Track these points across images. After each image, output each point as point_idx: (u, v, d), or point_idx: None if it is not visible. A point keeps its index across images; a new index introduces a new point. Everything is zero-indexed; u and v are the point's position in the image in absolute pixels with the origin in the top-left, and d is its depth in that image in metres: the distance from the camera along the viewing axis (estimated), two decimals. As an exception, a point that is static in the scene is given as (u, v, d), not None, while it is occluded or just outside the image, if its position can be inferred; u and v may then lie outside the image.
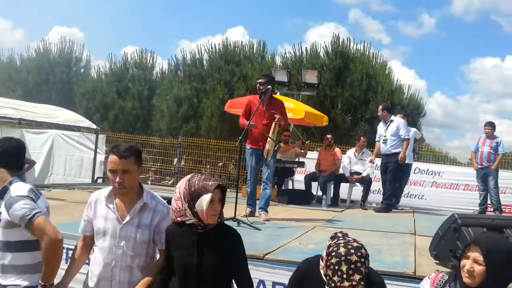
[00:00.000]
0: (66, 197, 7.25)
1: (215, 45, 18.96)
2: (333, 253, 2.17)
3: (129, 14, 48.84)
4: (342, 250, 2.16)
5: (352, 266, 2.12)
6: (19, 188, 2.84)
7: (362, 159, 9.48)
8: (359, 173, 9.39)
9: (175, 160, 14.63)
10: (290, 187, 10.24)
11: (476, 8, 50.04)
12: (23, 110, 10.34)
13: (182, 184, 2.57)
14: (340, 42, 17.63)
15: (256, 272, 3.65)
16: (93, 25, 47.56)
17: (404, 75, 41.01)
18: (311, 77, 11.29)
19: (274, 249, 4.21)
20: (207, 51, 18.90)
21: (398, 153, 8.26)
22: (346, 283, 2.10)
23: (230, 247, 2.55)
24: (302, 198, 9.26)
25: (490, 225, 4.19)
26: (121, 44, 57.96)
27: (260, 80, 6.54)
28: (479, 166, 9.04)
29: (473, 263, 2.12)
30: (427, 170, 11.33)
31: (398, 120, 8.46)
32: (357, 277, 2.11)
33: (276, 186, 9.29)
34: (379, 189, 10.40)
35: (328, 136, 9.85)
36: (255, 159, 6.49)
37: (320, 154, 9.87)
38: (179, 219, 2.54)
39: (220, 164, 14.62)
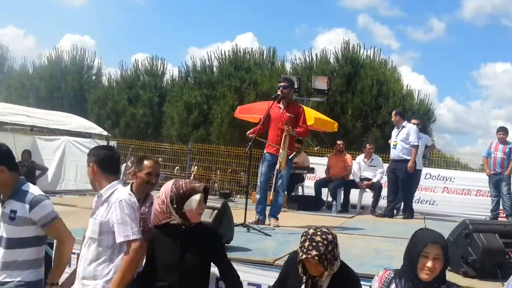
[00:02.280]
0: (78, 203, 7.30)
1: (225, 51, 19.11)
2: (303, 234, 2.55)
3: (138, 21, 49.27)
4: (311, 231, 2.54)
5: (314, 243, 2.44)
6: (36, 189, 3.05)
7: (371, 165, 9.45)
8: (369, 179, 9.36)
9: (194, 168, 14.63)
10: (300, 193, 10.22)
11: (487, 12, 49.77)
12: (35, 117, 10.46)
13: (167, 188, 2.82)
14: (350, 48, 17.65)
15: (265, 278, 3.65)
16: (103, 32, 48.09)
17: (414, 81, 40.88)
18: (321, 83, 11.28)
19: (284, 255, 4.20)
20: (217, 57, 19.04)
21: (407, 160, 8.22)
22: (304, 256, 2.44)
23: (210, 244, 2.82)
24: (312, 204, 9.23)
25: (502, 231, 4.16)
26: (131, 51, 58.45)
27: (283, 84, 6.50)
28: (492, 172, 8.95)
29: (434, 261, 2.29)
30: (438, 175, 11.23)
31: (409, 126, 8.39)
32: (314, 252, 2.42)
33: (286, 192, 9.28)
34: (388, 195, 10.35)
35: (339, 142, 9.83)
36: (267, 163, 6.45)
37: (330, 160, 9.85)
38: (163, 221, 2.80)
39: (230, 170, 14.65)
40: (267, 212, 6.43)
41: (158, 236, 2.83)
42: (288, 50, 61.27)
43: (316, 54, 18.14)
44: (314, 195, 9.73)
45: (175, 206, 2.75)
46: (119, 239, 2.73)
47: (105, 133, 12.27)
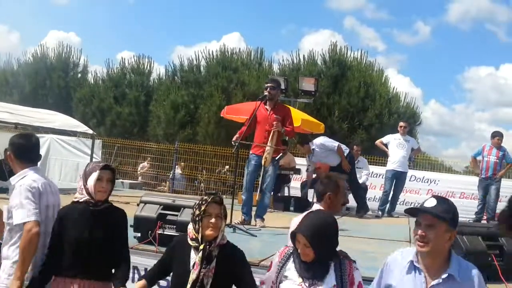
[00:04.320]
0: (61, 202, 7.20)
1: (212, 51, 19.05)
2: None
3: (123, 19, 48.82)
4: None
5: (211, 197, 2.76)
6: None
7: (358, 167, 9.48)
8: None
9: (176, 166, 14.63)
10: (286, 194, 10.23)
11: (471, 17, 50.32)
12: (19, 114, 10.29)
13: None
14: (338, 50, 17.73)
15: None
16: (88, 30, 47.45)
17: (399, 83, 41.21)
18: (308, 84, 11.32)
19: (270, 255, 4.19)
20: (205, 57, 18.97)
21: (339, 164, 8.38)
22: (207, 199, 2.72)
23: (116, 224, 3.07)
24: (298, 205, 9.25)
25: (485, 234, 4.20)
26: (116, 49, 57.82)
27: (270, 85, 6.49)
28: (483, 176, 8.92)
29: (304, 247, 2.52)
30: (423, 177, 11.35)
31: (317, 144, 8.51)
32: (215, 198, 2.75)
33: (272, 193, 9.27)
34: (374, 196, 10.44)
35: None
36: (253, 165, 6.44)
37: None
38: (79, 196, 3.06)
39: (217, 170, 14.61)
40: (253, 213, 6.43)
41: (68, 214, 3.05)
42: (274, 50, 61.33)
43: (303, 56, 18.22)
44: (300, 196, 9.75)
45: (83, 183, 3.04)
46: (15, 221, 2.99)
47: (90, 131, 12.13)
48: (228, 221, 5.55)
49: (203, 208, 2.70)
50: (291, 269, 2.58)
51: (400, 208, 9.94)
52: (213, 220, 2.67)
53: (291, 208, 8.94)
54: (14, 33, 43.19)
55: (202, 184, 14.95)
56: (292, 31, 44.23)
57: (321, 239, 2.53)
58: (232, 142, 6.25)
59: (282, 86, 11.18)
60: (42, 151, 13.10)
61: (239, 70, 17.92)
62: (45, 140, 13.18)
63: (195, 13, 45.90)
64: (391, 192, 9.01)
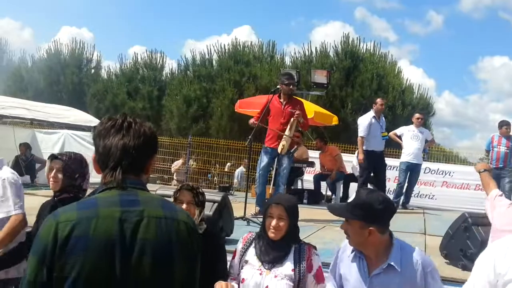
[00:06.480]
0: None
1: (224, 45, 19.09)
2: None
3: (133, 13, 48.84)
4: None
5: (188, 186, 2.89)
6: None
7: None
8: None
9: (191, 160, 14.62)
10: (299, 186, 10.23)
11: (485, 5, 49.36)
12: (35, 110, 10.44)
13: None
14: (350, 42, 17.62)
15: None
16: (100, 25, 47.70)
17: (412, 74, 40.74)
18: (320, 77, 11.27)
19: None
20: (217, 51, 19.01)
21: None
22: (179, 188, 2.85)
23: None
24: (312, 197, 9.26)
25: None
26: (127, 44, 57.97)
27: (292, 81, 6.49)
28: (493, 166, 8.79)
29: (278, 220, 2.57)
30: (438, 170, 11.24)
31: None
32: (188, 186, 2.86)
33: (285, 186, 9.28)
34: (389, 188, 10.38)
35: (316, 141, 10.09)
36: (267, 158, 6.43)
37: (320, 159, 9.92)
38: None
39: (229, 164, 14.65)
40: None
41: (46, 206, 3.02)
42: (285, 43, 60.79)
43: (315, 48, 18.15)
44: (313, 188, 9.75)
45: None
46: (2, 214, 2.99)
47: (105, 126, 12.22)
48: (242, 213, 5.60)
49: (175, 195, 2.82)
50: (251, 254, 2.65)
51: (414, 200, 9.91)
52: (184, 206, 2.75)
53: (305, 201, 8.93)
54: (27, 29, 43.60)
55: (215, 178, 15.01)
56: (302, 23, 43.93)
57: (295, 212, 2.65)
58: (250, 123, 6.30)
59: (295, 79, 11.19)
60: (57, 146, 13.30)
61: (251, 64, 17.94)
62: (60, 136, 13.33)
63: (205, 6, 45.83)
64: (406, 184, 8.96)
